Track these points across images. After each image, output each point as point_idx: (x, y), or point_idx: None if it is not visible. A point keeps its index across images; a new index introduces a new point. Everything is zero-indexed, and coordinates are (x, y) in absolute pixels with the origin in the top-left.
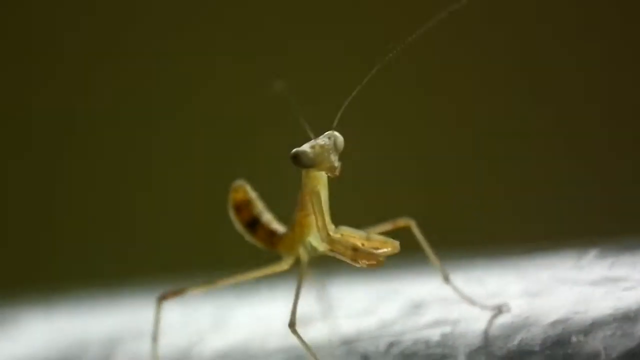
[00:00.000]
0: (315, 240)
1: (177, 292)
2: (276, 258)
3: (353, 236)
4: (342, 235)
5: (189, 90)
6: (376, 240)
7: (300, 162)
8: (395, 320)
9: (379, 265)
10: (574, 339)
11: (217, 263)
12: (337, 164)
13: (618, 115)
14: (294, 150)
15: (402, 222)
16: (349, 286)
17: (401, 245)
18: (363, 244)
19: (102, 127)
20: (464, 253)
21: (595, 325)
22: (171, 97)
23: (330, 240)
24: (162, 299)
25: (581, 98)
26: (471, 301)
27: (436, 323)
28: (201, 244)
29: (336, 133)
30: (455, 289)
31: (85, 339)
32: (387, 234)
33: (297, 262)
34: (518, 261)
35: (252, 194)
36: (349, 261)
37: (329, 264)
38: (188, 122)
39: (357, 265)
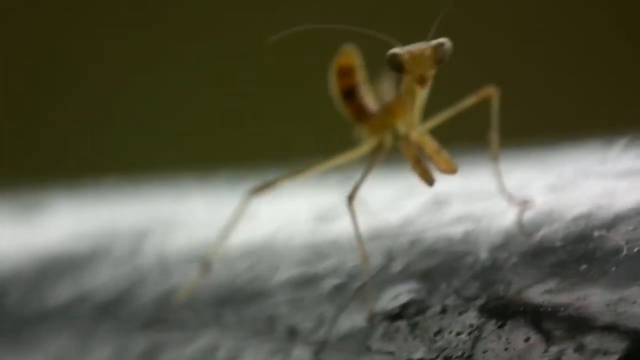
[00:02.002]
0: (402, 128)
1: (267, 186)
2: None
3: (427, 144)
4: (419, 139)
5: None
6: (442, 157)
7: (390, 64)
8: (418, 217)
9: (429, 182)
10: (596, 233)
11: (242, 158)
12: (428, 75)
13: None
14: (389, 51)
15: (486, 91)
16: (372, 183)
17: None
18: (431, 156)
19: None
20: (486, 148)
21: (617, 220)
22: None
23: (406, 138)
24: (252, 193)
25: None
26: (502, 189)
27: (459, 220)
28: (229, 138)
29: (443, 40)
30: (497, 174)
31: (113, 230)
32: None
33: (378, 145)
34: (542, 154)
35: (358, 62)
36: (409, 165)
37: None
38: None
39: (412, 171)
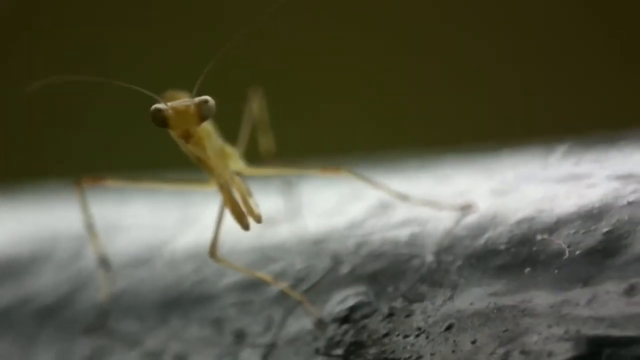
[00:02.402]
0: (215, 173)
1: (96, 180)
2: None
3: (239, 187)
4: (232, 181)
5: None
6: (250, 204)
7: (153, 120)
8: (364, 220)
9: (243, 226)
10: (538, 237)
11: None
12: (192, 131)
13: (588, 15)
14: (153, 106)
15: (332, 169)
16: (318, 187)
17: (373, 144)
18: (244, 199)
19: None
20: (432, 152)
21: (559, 224)
22: None
23: (221, 182)
24: (79, 183)
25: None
26: (438, 205)
27: (404, 223)
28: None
29: (207, 98)
30: (417, 201)
31: (55, 234)
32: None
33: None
34: (485, 160)
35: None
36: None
37: (298, 164)
38: None
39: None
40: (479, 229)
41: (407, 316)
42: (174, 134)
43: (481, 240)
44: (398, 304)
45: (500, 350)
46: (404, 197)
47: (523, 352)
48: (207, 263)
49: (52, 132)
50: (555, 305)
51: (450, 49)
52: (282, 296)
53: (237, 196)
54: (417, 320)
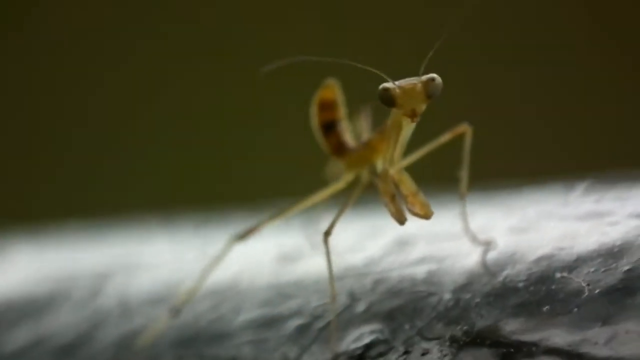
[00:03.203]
0: (381, 164)
1: (252, 230)
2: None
3: (405, 184)
4: (398, 177)
5: None
6: (419, 200)
7: (381, 99)
8: (382, 257)
9: (401, 221)
10: (558, 275)
11: (207, 200)
12: (419, 110)
13: (612, 47)
14: (381, 85)
15: (460, 129)
16: (338, 224)
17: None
18: (407, 196)
19: None
20: (452, 189)
21: (579, 261)
22: None
23: (385, 174)
24: (238, 238)
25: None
26: (466, 229)
27: (422, 260)
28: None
29: (434, 75)
30: (463, 212)
31: (74, 273)
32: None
33: (354, 182)
34: (505, 197)
35: (340, 96)
36: (383, 202)
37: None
38: None
39: (385, 208)
40: (498, 266)
41: (424, 354)
42: (399, 112)
43: (500, 278)
44: (414, 342)
45: None
46: (462, 195)
47: None
48: (224, 300)
49: (74, 173)
50: (573, 344)
51: (474, 83)
52: (298, 334)
53: (403, 190)
54: (433, 358)
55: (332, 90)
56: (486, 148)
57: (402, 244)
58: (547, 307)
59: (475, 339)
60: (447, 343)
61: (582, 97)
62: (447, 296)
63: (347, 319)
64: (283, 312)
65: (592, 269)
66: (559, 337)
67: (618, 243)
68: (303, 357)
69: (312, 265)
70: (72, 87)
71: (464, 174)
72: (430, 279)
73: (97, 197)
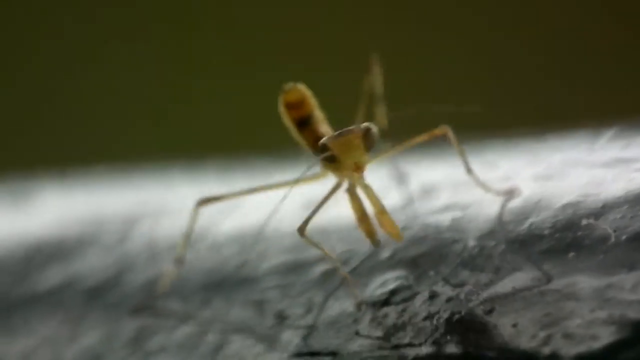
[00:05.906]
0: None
1: (215, 199)
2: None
3: (374, 201)
4: (366, 192)
5: None
6: (388, 221)
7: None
8: (406, 204)
9: (374, 242)
10: (584, 222)
11: (231, 148)
12: (363, 160)
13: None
14: (322, 140)
15: (438, 130)
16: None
17: (413, 130)
18: (376, 215)
19: None
20: (477, 136)
21: (606, 208)
22: None
23: (353, 190)
24: (200, 204)
25: None
26: (485, 187)
27: (446, 208)
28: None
29: (370, 125)
30: (476, 180)
31: (102, 218)
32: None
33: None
34: (530, 145)
35: (306, 92)
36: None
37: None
38: None
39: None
40: (523, 213)
41: (448, 300)
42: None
43: (525, 225)
44: (439, 287)
45: (542, 334)
46: (469, 169)
47: (565, 336)
48: (249, 246)
49: (101, 119)
50: (599, 289)
51: (498, 37)
52: (323, 279)
53: (370, 208)
54: (458, 304)
55: (295, 92)
56: (509, 96)
57: (426, 192)
58: (572, 253)
59: (500, 286)
60: (472, 289)
61: (607, 47)
62: (471, 243)
63: (371, 266)
64: (308, 258)
65: (618, 216)
66: (584, 282)
67: None
68: (328, 302)
69: (337, 212)
70: (107, 34)
71: (463, 159)
72: (455, 226)
73: (124, 142)
